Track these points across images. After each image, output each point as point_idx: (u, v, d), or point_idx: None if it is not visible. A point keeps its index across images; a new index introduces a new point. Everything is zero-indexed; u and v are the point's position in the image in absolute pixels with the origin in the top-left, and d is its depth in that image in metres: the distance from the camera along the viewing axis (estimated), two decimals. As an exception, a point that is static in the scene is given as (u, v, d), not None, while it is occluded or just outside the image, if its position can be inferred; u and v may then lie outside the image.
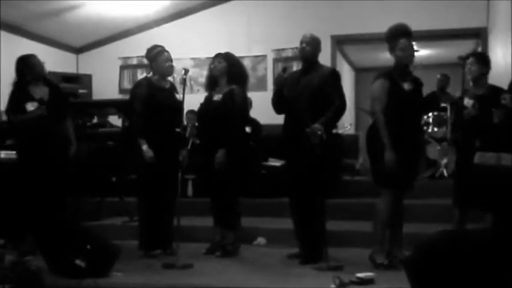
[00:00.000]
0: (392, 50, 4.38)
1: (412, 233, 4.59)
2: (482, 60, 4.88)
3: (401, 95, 4.28)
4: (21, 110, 5.03)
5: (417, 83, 4.43)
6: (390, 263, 4.24)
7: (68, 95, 6.30)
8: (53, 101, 5.14)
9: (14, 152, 5.49)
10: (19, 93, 5.11)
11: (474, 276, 3.27)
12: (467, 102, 4.70)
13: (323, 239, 4.54)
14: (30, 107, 5.03)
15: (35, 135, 5.04)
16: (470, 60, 4.81)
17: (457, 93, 4.90)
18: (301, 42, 4.68)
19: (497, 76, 7.47)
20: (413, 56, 4.41)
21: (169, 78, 5.05)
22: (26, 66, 5.12)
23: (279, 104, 4.74)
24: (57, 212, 4.92)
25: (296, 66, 4.91)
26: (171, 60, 4.97)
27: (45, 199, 4.92)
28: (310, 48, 4.67)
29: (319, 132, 4.34)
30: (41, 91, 5.13)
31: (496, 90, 4.83)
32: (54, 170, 5.06)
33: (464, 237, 3.64)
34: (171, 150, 4.76)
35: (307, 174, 4.50)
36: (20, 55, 5.25)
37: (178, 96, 4.89)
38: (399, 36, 4.33)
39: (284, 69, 4.85)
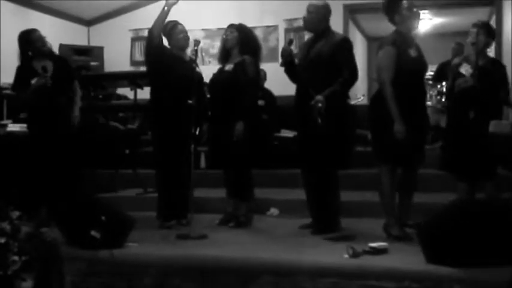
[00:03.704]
0: (395, 14, 4.29)
1: (423, 203, 4.60)
2: (489, 31, 4.73)
3: (409, 62, 4.21)
4: (27, 85, 5.04)
5: (419, 49, 4.36)
6: (403, 233, 4.24)
7: (74, 68, 6.28)
8: (57, 73, 5.14)
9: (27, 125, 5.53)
10: (23, 69, 5.14)
11: (487, 244, 3.28)
12: (466, 70, 4.60)
13: (335, 209, 4.56)
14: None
15: (40, 107, 5.08)
16: (477, 30, 4.68)
17: (456, 60, 4.78)
18: (306, 12, 4.64)
19: (509, 44, 7.39)
20: (418, 18, 4.36)
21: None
22: (26, 42, 5.14)
23: (291, 75, 4.70)
24: (72, 183, 4.98)
25: (308, 35, 4.83)
26: (185, 32, 4.98)
27: (57, 171, 4.97)
28: (310, 17, 4.60)
29: (319, 105, 4.29)
30: (45, 65, 5.13)
31: (495, 63, 4.82)
32: (62, 141, 5.10)
33: (477, 206, 3.64)
34: (185, 122, 4.77)
35: (314, 145, 4.49)
36: (20, 31, 5.24)
37: (199, 69, 4.88)
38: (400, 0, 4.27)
39: (290, 42, 4.78)
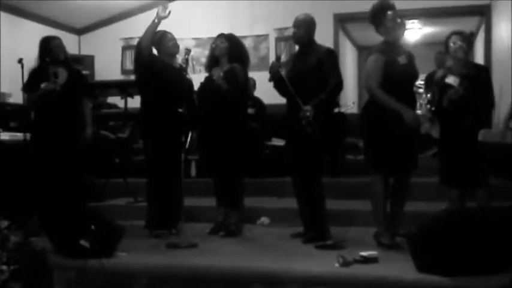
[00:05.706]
0: (380, 25, 4.33)
1: (415, 211, 4.60)
2: (469, 40, 4.79)
3: (398, 69, 4.23)
4: (37, 88, 5.14)
5: (410, 57, 4.39)
6: (394, 242, 4.24)
7: (87, 79, 6.34)
8: (70, 83, 5.20)
9: (17, 134, 5.51)
10: (37, 72, 5.22)
11: (478, 253, 3.29)
12: (454, 81, 4.62)
13: (324, 217, 4.56)
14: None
15: (47, 113, 5.13)
16: (457, 37, 4.66)
17: (440, 73, 4.79)
18: (293, 26, 4.68)
19: (500, 52, 7.45)
20: (403, 28, 4.40)
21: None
22: (45, 48, 5.20)
23: (279, 89, 4.72)
24: (68, 192, 4.98)
25: (297, 47, 4.88)
26: (175, 40, 4.99)
27: (54, 179, 4.97)
28: (301, 31, 4.65)
29: (308, 114, 4.33)
30: (60, 73, 5.19)
31: (479, 69, 4.84)
32: (65, 150, 5.11)
33: (468, 215, 3.64)
34: (175, 130, 4.76)
35: (304, 155, 4.51)
36: (43, 36, 5.36)
37: (189, 77, 4.86)
38: (385, 10, 4.29)
39: (278, 58, 4.80)
